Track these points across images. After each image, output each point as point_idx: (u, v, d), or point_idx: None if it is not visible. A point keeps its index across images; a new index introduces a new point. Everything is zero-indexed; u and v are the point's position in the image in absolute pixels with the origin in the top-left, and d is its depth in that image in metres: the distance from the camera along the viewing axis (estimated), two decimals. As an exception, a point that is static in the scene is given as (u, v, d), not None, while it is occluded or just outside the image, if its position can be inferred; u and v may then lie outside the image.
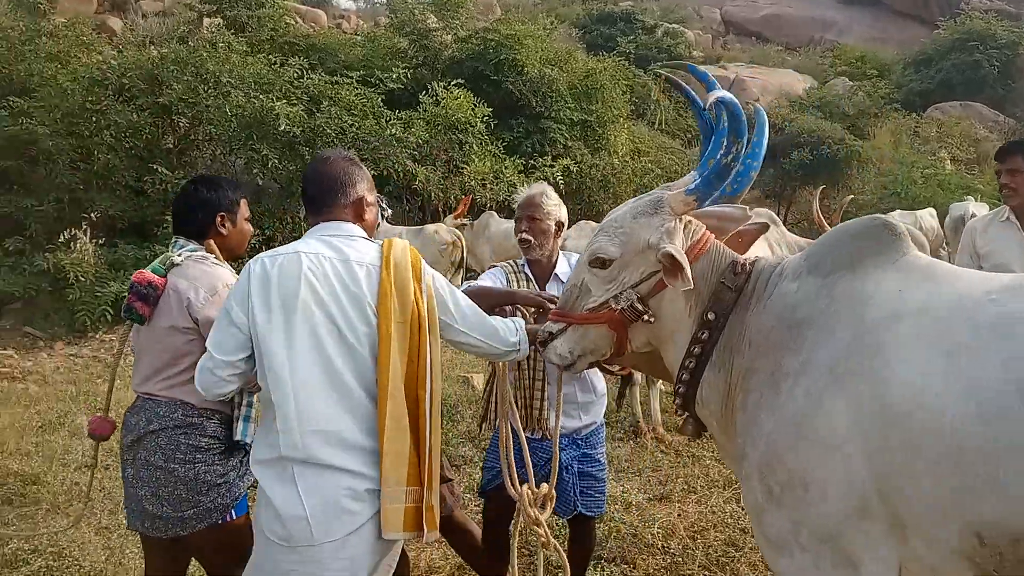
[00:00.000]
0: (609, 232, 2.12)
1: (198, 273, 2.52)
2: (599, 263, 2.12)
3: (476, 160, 10.75)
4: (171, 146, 10.12)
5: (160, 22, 21.92)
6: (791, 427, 1.75)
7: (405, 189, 10.73)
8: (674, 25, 25.19)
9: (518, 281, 2.93)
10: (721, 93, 2.06)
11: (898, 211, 10.89)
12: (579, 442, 2.93)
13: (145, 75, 9.84)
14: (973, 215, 7.83)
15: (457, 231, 9.01)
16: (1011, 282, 1.68)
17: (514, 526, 2.77)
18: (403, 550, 2.95)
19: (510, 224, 10.42)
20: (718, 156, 2.05)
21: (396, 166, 9.89)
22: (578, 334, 2.18)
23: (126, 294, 2.58)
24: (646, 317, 2.07)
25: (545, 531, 2.52)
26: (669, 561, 3.72)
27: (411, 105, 11.24)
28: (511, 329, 2.38)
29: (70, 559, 3.68)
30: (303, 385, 2.02)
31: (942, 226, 10.52)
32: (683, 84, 2.41)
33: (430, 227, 9.77)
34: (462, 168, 10.64)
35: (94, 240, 8.95)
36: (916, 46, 24.07)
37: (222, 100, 9.53)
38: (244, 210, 2.73)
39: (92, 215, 9.30)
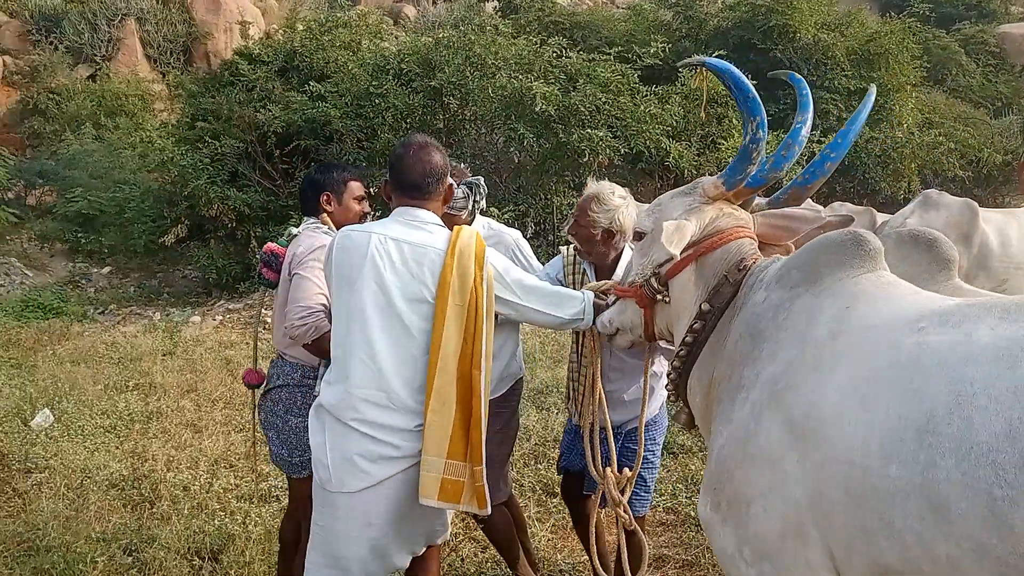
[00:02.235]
0: (650, 209, 2.20)
1: (304, 238, 2.90)
2: (637, 236, 2.20)
3: (736, 135, 10.27)
4: (441, 126, 10.82)
5: (448, 8, 23.51)
6: (738, 441, 1.71)
7: (658, 166, 10.56)
8: (991, -24, 22.01)
9: (574, 272, 2.89)
10: (712, 60, 2.03)
11: None
12: (619, 436, 2.85)
13: (420, 60, 10.60)
14: None
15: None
16: (948, 308, 1.51)
17: (593, 508, 2.77)
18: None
19: (759, 201, 9.84)
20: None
21: (649, 143, 9.75)
22: (620, 307, 2.28)
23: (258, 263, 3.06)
24: (659, 297, 2.11)
25: (628, 512, 2.60)
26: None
27: (669, 79, 10.99)
28: (576, 299, 2.47)
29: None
30: (349, 351, 2.25)
31: None
32: (730, 73, 2.13)
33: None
34: (719, 144, 10.23)
35: (373, 212, 9.90)
36: None
37: (487, 82, 9.99)
38: (354, 190, 3.03)
39: (372, 189, 10.28)
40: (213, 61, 18.63)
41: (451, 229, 2.81)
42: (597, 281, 2.80)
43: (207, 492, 4.29)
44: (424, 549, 2.46)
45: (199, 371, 6.68)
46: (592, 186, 2.85)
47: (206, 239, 11.16)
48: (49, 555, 3.60)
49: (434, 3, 25.62)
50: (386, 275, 2.25)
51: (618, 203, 2.77)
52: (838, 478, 1.49)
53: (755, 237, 2.11)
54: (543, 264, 3.16)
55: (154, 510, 4.12)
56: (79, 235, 12.43)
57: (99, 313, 9.73)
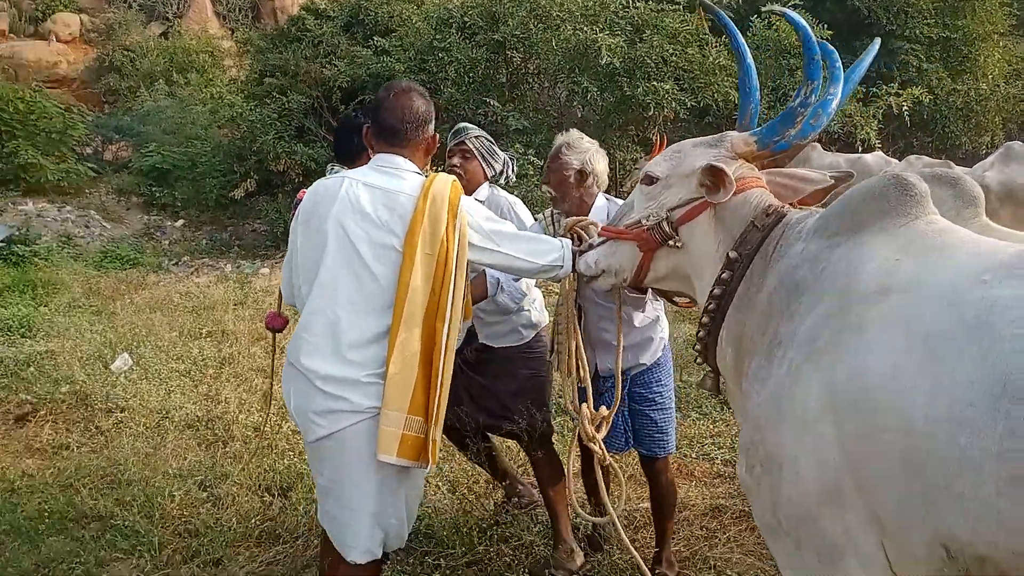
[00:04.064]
0: (667, 154, 2.11)
1: None
2: (647, 180, 2.11)
3: (807, 88, 9.93)
4: (504, 80, 10.75)
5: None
6: (773, 401, 1.61)
7: (725, 120, 10.30)
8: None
9: (554, 232, 2.87)
10: (791, 14, 2.01)
11: None
12: (624, 382, 2.82)
13: (484, 13, 10.50)
14: None
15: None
16: (1011, 259, 1.37)
17: (571, 443, 2.75)
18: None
19: (834, 158, 9.57)
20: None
21: (717, 96, 9.50)
22: (609, 249, 2.18)
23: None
24: (672, 242, 2.02)
25: (601, 447, 2.55)
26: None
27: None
28: (553, 246, 2.39)
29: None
30: (313, 300, 2.21)
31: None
32: (724, 16, 2.20)
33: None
34: (790, 97, 9.90)
35: (435, 167, 9.96)
36: None
37: (551, 34, 9.85)
38: None
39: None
40: (280, 17, 18.82)
41: (468, 169, 2.92)
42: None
43: (276, 433, 4.45)
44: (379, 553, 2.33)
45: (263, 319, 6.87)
46: (561, 136, 2.96)
47: (274, 193, 11.39)
48: (130, 488, 3.81)
49: (498, -45, 25.26)
50: (354, 221, 2.17)
51: (588, 146, 2.90)
52: (891, 444, 1.40)
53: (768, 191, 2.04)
54: None
55: (227, 449, 4.30)
56: (153, 189, 12.83)
57: (173, 264, 10.06)
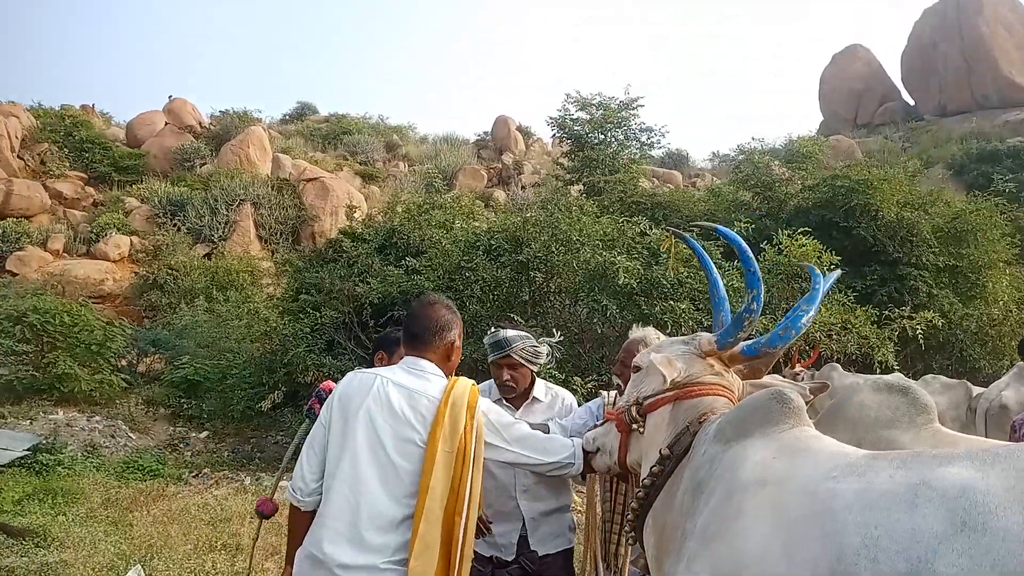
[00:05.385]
0: (651, 348, 2.41)
1: None
2: (634, 369, 2.39)
3: (822, 309, 10.26)
4: (526, 298, 11.20)
5: (535, 191, 24.91)
6: None
7: (743, 339, 10.54)
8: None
9: None
10: (724, 230, 2.30)
11: None
12: None
13: (508, 237, 11.19)
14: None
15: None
16: (856, 460, 1.71)
17: None
18: None
19: (855, 379, 9.66)
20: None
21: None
22: (605, 429, 2.46)
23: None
24: (635, 426, 2.25)
25: None
26: None
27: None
28: (564, 445, 2.61)
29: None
30: (334, 485, 2.36)
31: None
32: (692, 241, 2.56)
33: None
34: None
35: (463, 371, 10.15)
36: None
37: (571, 256, 10.42)
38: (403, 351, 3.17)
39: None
40: (318, 240, 20.06)
41: (519, 378, 3.05)
42: None
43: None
44: None
45: (285, 534, 6.75)
46: (637, 331, 3.04)
47: (299, 405, 11.53)
48: None
49: (523, 188, 27.20)
50: (381, 415, 2.40)
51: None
52: None
53: (735, 400, 2.21)
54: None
55: (233, 669, 4.12)
56: (182, 400, 13.07)
57: (193, 476, 10.03)
